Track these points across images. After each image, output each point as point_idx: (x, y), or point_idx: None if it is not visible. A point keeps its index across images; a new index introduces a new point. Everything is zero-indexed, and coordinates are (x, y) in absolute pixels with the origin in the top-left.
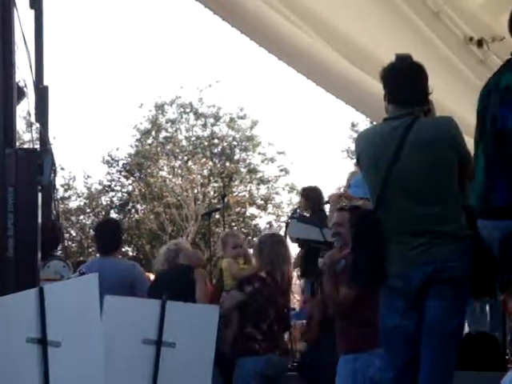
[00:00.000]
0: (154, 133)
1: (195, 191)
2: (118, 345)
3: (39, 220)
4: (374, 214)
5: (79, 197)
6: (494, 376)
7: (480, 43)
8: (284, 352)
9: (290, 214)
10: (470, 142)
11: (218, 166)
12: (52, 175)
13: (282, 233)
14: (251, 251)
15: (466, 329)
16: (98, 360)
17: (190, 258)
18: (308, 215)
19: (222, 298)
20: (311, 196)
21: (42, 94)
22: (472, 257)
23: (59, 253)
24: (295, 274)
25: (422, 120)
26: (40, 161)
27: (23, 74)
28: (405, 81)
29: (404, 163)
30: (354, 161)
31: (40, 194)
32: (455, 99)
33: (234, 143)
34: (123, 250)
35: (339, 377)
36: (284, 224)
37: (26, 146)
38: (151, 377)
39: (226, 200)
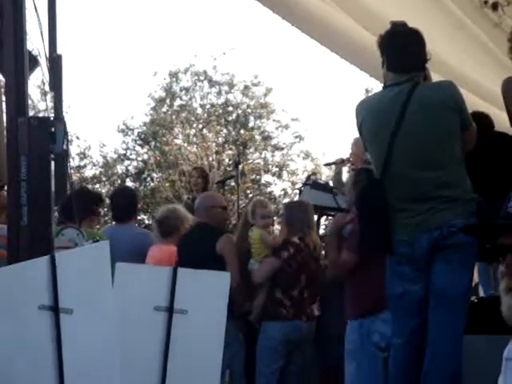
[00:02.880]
0: (168, 101)
1: (210, 159)
2: (130, 312)
3: (52, 188)
4: (379, 181)
5: (94, 165)
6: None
7: (495, 6)
8: (310, 318)
9: (304, 181)
10: (480, 105)
11: (233, 133)
12: (65, 144)
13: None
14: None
15: (482, 293)
16: (111, 327)
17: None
18: None
19: (250, 264)
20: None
21: (55, 62)
22: (478, 218)
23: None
24: None
25: (422, 85)
26: (53, 129)
27: (36, 42)
28: (403, 47)
29: (408, 128)
30: None
31: (53, 163)
32: (470, 63)
33: (249, 110)
34: (139, 218)
35: (347, 343)
36: (298, 191)
37: (40, 115)
38: (163, 343)
39: (240, 167)
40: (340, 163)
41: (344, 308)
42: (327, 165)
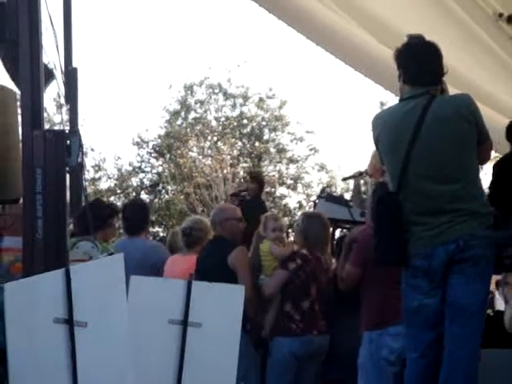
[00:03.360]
0: (183, 114)
1: (225, 171)
2: (144, 325)
3: (67, 201)
4: (395, 195)
5: (109, 178)
6: None
7: (510, 19)
8: (323, 332)
9: (318, 194)
10: (496, 118)
11: (248, 146)
12: (80, 157)
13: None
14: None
15: (501, 307)
16: (125, 340)
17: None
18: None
19: (260, 280)
20: (258, 180)
21: (70, 76)
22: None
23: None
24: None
25: (439, 98)
26: (68, 142)
27: (52, 55)
28: (420, 60)
29: (424, 141)
30: None
31: (68, 176)
32: (486, 76)
33: (263, 123)
34: (154, 230)
35: (359, 357)
36: (313, 203)
37: (56, 128)
38: (178, 357)
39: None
40: (358, 176)
41: (346, 325)
42: (345, 179)
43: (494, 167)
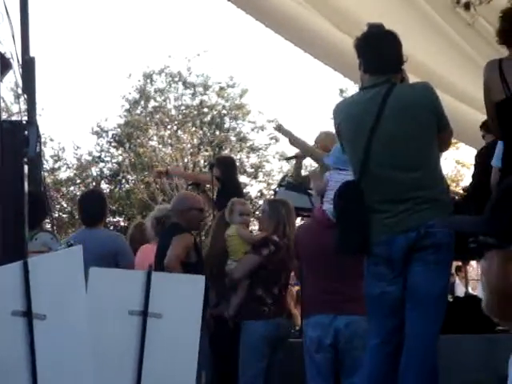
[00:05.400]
0: (142, 102)
1: (185, 160)
2: (104, 316)
3: (26, 192)
4: (356, 184)
5: (69, 168)
6: (482, 338)
7: (467, 6)
8: (289, 315)
9: (279, 182)
10: (456, 106)
11: (208, 134)
12: (38, 147)
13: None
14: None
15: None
16: (84, 332)
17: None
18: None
19: (228, 265)
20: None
21: (28, 65)
22: None
23: (48, 224)
24: None
25: (399, 86)
26: (26, 133)
27: (9, 45)
28: (379, 49)
29: (385, 130)
30: None
31: (27, 166)
32: (443, 63)
33: (224, 112)
34: (115, 220)
35: None
36: (273, 192)
37: (14, 118)
38: (138, 348)
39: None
40: (301, 157)
41: None
42: (288, 159)
43: (475, 158)
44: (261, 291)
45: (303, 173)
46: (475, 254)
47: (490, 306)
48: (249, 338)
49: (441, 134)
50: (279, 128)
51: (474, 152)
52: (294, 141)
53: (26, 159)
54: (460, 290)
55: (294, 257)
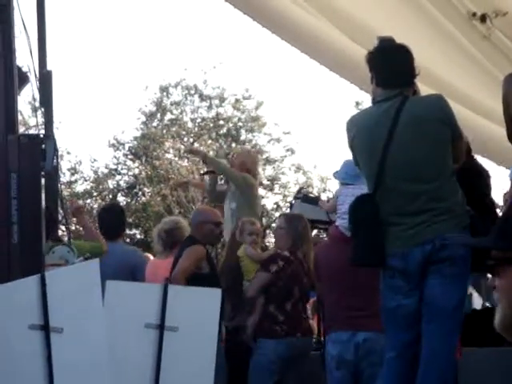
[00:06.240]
0: (159, 115)
1: (201, 172)
2: (121, 330)
3: (43, 206)
4: (371, 197)
5: (86, 180)
6: (503, 352)
7: (483, 18)
8: (306, 332)
9: (294, 195)
10: (472, 118)
11: (225, 147)
12: (55, 161)
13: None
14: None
15: (479, 305)
16: (101, 345)
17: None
18: None
19: (244, 286)
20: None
21: (45, 78)
22: (471, 232)
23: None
24: None
25: (412, 99)
26: (43, 146)
27: (26, 59)
28: (391, 63)
29: (399, 142)
30: None
31: (43, 180)
32: (460, 75)
33: (240, 124)
34: (131, 232)
35: None
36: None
37: (31, 131)
38: (155, 361)
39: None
40: (216, 173)
41: None
42: (203, 174)
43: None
44: (273, 308)
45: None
46: (492, 271)
47: (508, 322)
48: (259, 356)
49: (454, 144)
50: (190, 150)
51: (489, 164)
52: (207, 159)
53: (43, 173)
54: (477, 303)
55: (309, 272)
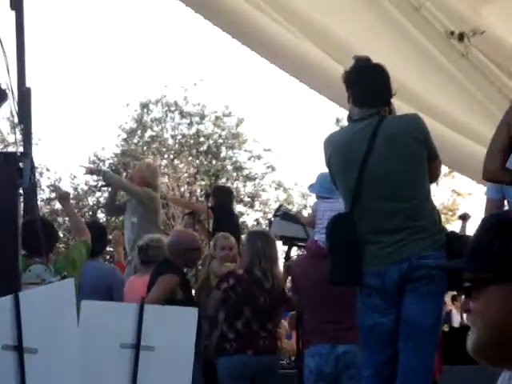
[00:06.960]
0: (139, 132)
1: (182, 189)
2: (96, 349)
3: (20, 224)
4: (349, 215)
5: None
6: (482, 369)
7: (461, 37)
8: (264, 350)
9: (274, 212)
10: (450, 136)
11: (205, 163)
12: (32, 178)
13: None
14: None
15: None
16: (76, 366)
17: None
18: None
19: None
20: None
21: (24, 95)
22: (447, 251)
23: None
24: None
25: (389, 117)
26: (20, 164)
27: (5, 76)
28: (368, 82)
29: (376, 161)
30: None
31: (22, 198)
32: (438, 93)
33: (220, 141)
34: (111, 249)
35: None
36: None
37: (10, 148)
38: (130, 381)
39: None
40: (115, 188)
41: None
42: (99, 188)
43: None
44: (225, 326)
45: None
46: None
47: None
48: (218, 374)
49: (430, 163)
50: (89, 170)
51: (469, 181)
52: (106, 176)
53: (20, 190)
54: (456, 320)
55: (273, 289)
